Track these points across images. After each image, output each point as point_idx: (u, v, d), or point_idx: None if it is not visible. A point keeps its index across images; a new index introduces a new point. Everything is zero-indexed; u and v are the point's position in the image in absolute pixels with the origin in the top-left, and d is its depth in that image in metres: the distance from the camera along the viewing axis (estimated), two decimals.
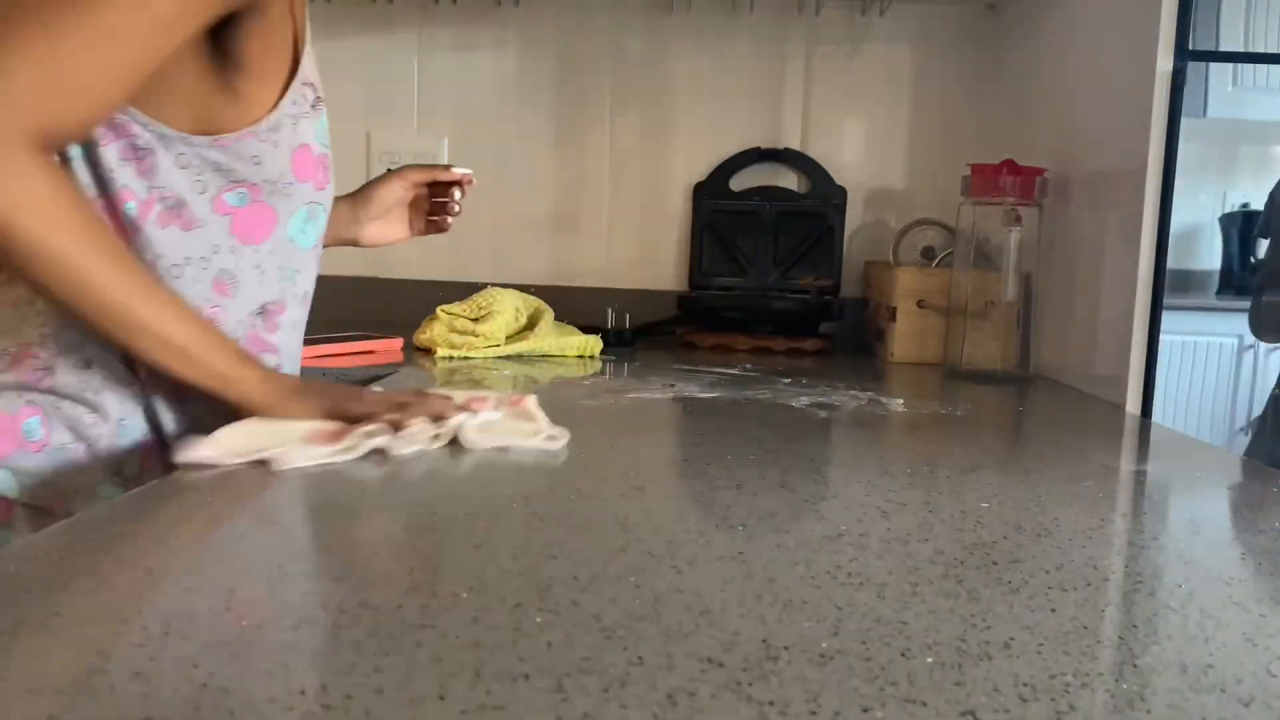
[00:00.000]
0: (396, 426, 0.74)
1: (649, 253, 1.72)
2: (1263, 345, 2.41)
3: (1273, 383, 2.34)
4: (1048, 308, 1.34)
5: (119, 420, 0.74)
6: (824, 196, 1.65)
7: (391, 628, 0.40)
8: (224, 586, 0.45)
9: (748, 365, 1.33)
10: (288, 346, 0.84)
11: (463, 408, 0.79)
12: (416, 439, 0.73)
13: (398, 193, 1.13)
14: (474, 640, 0.39)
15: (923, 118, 1.67)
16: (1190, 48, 1.06)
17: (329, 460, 0.67)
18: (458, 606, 0.43)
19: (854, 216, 1.67)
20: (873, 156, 1.68)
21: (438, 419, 0.76)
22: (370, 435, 0.71)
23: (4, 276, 0.74)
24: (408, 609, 0.42)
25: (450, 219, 1.15)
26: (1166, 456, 0.90)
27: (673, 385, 1.13)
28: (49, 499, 0.71)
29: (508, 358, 1.33)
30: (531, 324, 1.43)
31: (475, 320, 1.35)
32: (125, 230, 0.73)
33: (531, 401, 0.87)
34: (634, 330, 1.55)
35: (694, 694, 0.35)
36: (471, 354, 1.32)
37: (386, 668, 0.37)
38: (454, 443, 0.75)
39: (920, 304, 1.40)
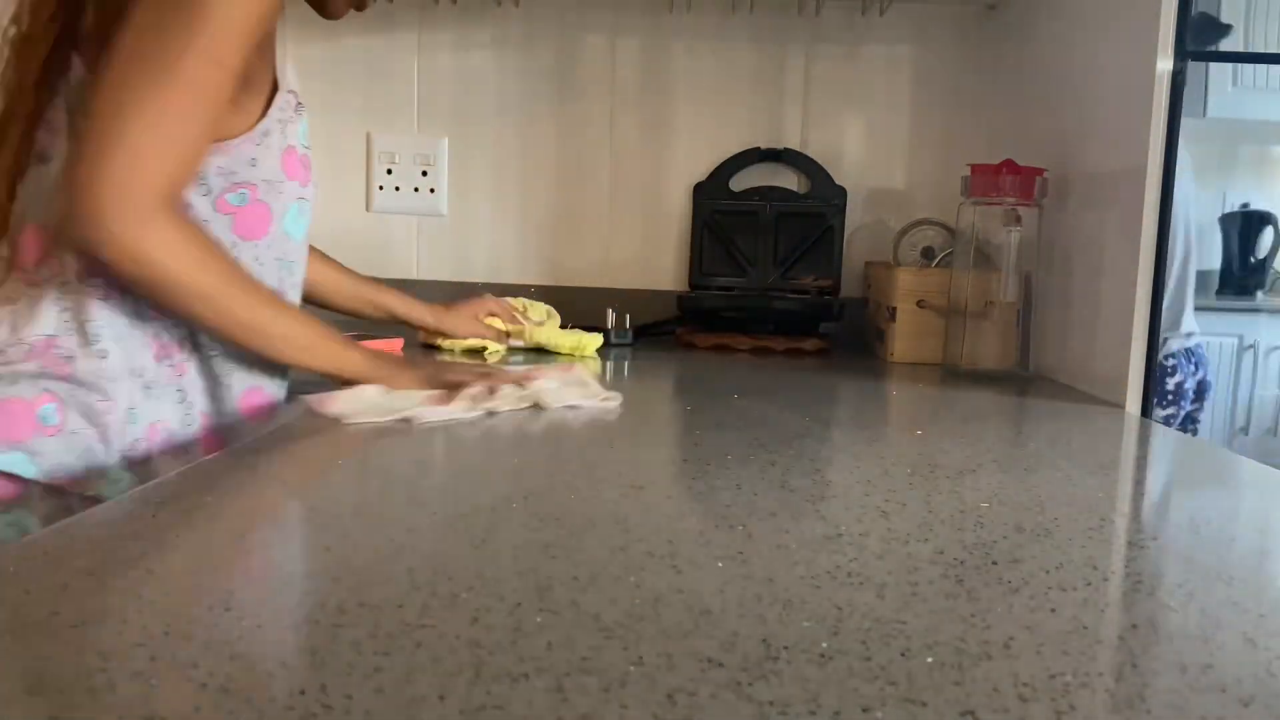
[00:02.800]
0: (490, 391, 0.87)
1: (649, 253, 1.72)
2: (1263, 345, 2.41)
3: (1273, 383, 2.34)
4: (1048, 308, 1.34)
5: (128, 409, 0.80)
6: (824, 196, 1.65)
7: (391, 628, 0.40)
8: (224, 586, 0.45)
9: (747, 365, 1.33)
10: None
11: (527, 377, 0.93)
12: (509, 400, 0.88)
13: (475, 325, 1.34)
14: (474, 640, 0.39)
15: (923, 118, 1.67)
16: (1190, 48, 1.06)
17: (452, 418, 0.84)
18: (458, 606, 0.43)
19: (854, 216, 1.67)
20: (873, 156, 1.68)
21: (518, 385, 0.90)
22: (475, 399, 0.86)
23: (28, 270, 0.80)
24: (408, 609, 0.42)
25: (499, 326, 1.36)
26: (1166, 456, 0.90)
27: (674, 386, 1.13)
28: (65, 480, 0.77)
29: (513, 351, 1.35)
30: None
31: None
32: None
33: (581, 369, 1.02)
34: (635, 330, 1.54)
35: (694, 694, 0.35)
36: (476, 348, 1.33)
37: (386, 668, 0.37)
38: (531, 406, 0.90)
39: (920, 304, 1.40)
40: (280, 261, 0.90)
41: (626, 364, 1.32)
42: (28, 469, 0.76)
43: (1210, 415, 2.40)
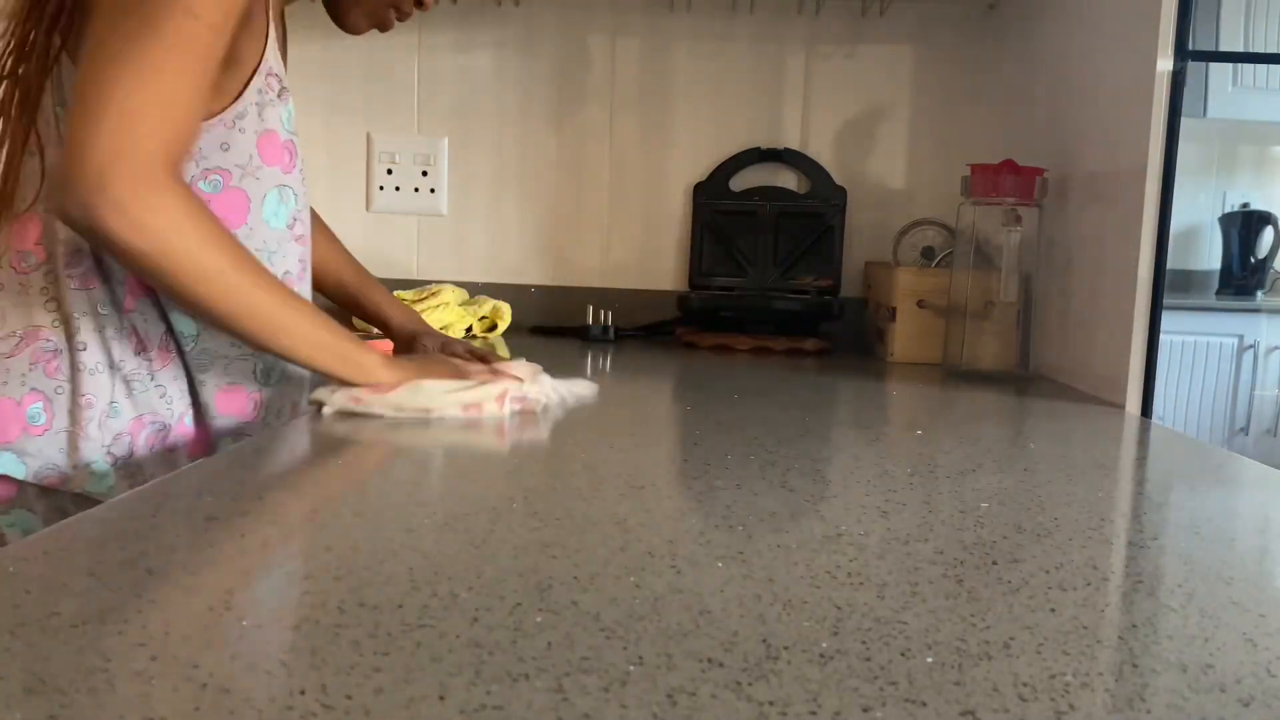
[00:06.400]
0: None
1: (648, 253, 1.72)
2: (1263, 345, 2.41)
3: (1273, 383, 2.34)
4: (1048, 308, 1.34)
5: (109, 403, 0.80)
6: (824, 196, 1.65)
7: (391, 628, 0.40)
8: (224, 586, 0.45)
9: (747, 365, 1.33)
10: None
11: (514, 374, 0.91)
12: (541, 391, 0.90)
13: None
14: (474, 640, 0.39)
15: (923, 118, 1.67)
16: (1190, 48, 1.06)
17: (472, 415, 0.85)
18: (457, 606, 0.43)
19: (854, 216, 1.67)
20: (873, 156, 1.68)
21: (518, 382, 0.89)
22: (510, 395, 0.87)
23: (22, 258, 0.80)
24: (408, 609, 0.42)
25: None
26: (1166, 456, 0.90)
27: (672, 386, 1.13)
28: (53, 478, 0.78)
29: None
30: (493, 326, 1.56)
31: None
32: None
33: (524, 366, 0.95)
34: (618, 330, 1.55)
35: (694, 694, 0.35)
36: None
37: (386, 668, 0.37)
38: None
39: (920, 304, 1.40)
40: (260, 252, 0.86)
41: (628, 363, 1.32)
42: (18, 470, 0.77)
43: (1211, 415, 2.40)
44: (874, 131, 1.68)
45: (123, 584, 0.44)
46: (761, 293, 1.62)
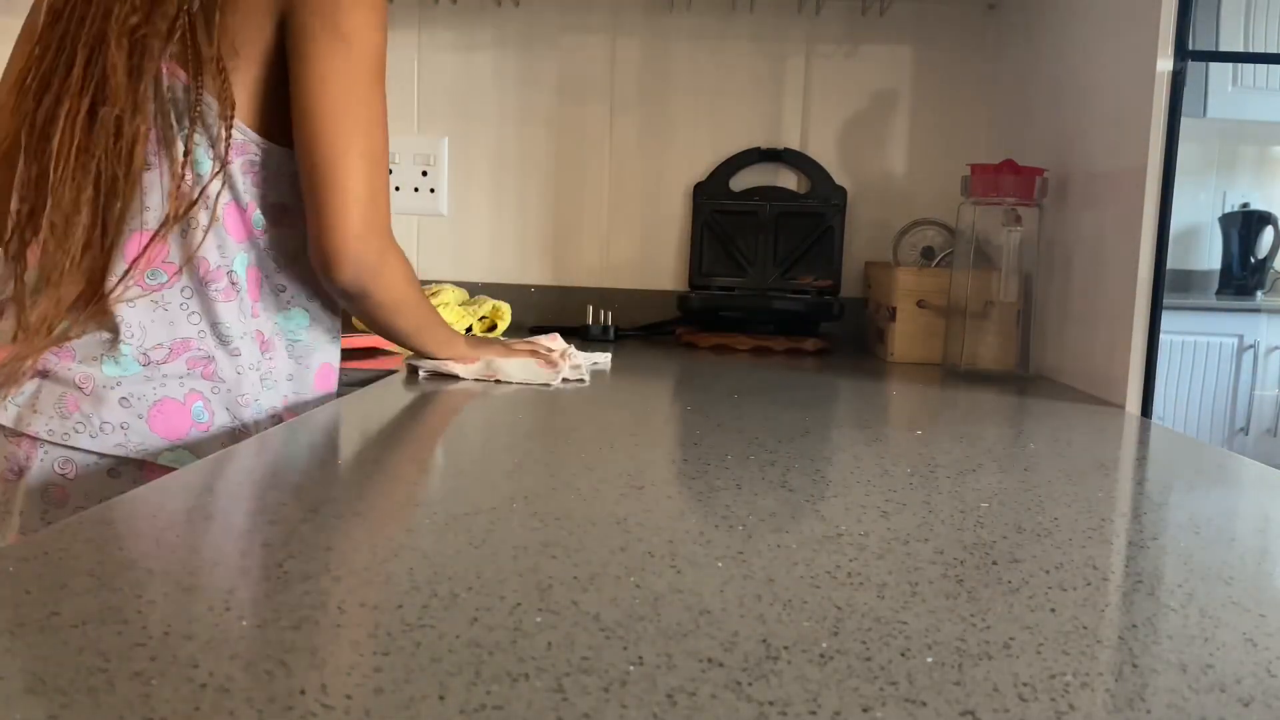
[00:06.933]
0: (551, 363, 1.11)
1: (648, 253, 1.72)
2: (1263, 345, 2.41)
3: (1273, 383, 2.34)
4: (1048, 308, 1.34)
5: (254, 399, 0.91)
6: (824, 196, 1.65)
7: (391, 627, 0.40)
8: (224, 586, 0.45)
9: (747, 365, 1.33)
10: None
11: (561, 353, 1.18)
12: (580, 367, 1.16)
13: None
14: (474, 640, 0.39)
15: (923, 117, 1.67)
16: (1190, 48, 1.06)
17: (542, 382, 1.07)
18: (457, 606, 0.43)
19: (854, 216, 1.67)
20: (873, 156, 1.68)
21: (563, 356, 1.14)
22: (559, 366, 1.11)
23: (140, 276, 0.86)
24: (407, 609, 0.42)
25: None
26: (1166, 456, 0.90)
27: (673, 386, 1.13)
28: None
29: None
30: (493, 325, 1.57)
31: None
32: (254, 233, 0.90)
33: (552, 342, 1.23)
34: (618, 330, 1.56)
35: (694, 694, 0.35)
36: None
37: (386, 668, 0.37)
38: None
39: (920, 304, 1.40)
40: None
41: (628, 363, 1.32)
42: (190, 463, 0.83)
43: (1210, 415, 2.40)
44: (874, 131, 1.68)
45: (123, 584, 0.44)
46: (761, 293, 1.62)
